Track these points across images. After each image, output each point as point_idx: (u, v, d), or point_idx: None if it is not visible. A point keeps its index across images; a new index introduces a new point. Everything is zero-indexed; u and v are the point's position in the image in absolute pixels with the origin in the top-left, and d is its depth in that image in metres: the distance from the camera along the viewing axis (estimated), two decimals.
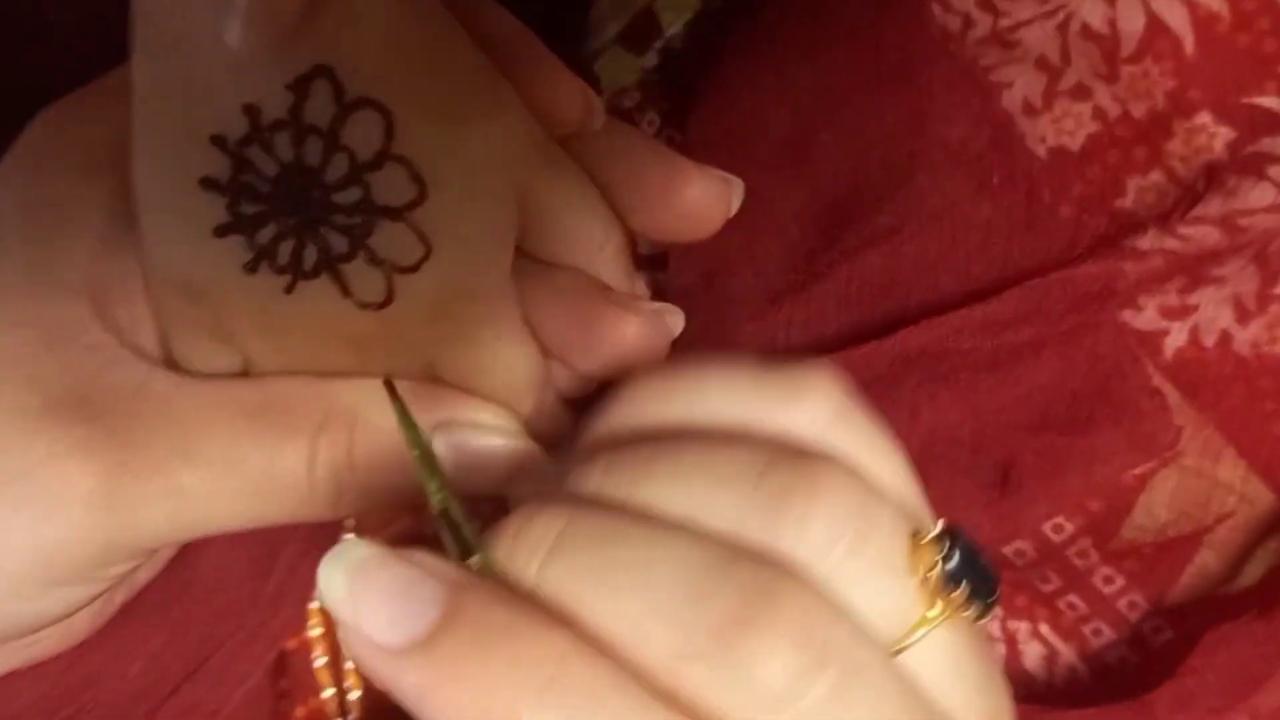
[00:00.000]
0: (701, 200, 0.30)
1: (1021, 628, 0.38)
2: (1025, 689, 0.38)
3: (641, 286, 0.31)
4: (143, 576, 0.33)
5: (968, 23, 0.37)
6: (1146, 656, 0.37)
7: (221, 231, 0.26)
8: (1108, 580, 0.37)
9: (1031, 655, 0.38)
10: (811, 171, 0.39)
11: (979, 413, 0.37)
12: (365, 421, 0.28)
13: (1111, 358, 0.36)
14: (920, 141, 0.37)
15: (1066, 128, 0.37)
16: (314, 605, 0.37)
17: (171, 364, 0.28)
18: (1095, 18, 0.34)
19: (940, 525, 0.24)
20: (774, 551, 0.22)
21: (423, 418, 0.26)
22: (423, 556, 0.21)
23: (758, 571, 0.21)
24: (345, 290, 0.27)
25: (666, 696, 0.20)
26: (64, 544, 0.27)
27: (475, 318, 0.28)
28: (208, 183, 0.26)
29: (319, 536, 0.35)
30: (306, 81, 0.25)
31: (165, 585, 0.34)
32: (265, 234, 0.26)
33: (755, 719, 0.21)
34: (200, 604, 0.34)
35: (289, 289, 0.26)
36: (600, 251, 0.29)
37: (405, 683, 0.20)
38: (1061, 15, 0.35)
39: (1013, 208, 0.38)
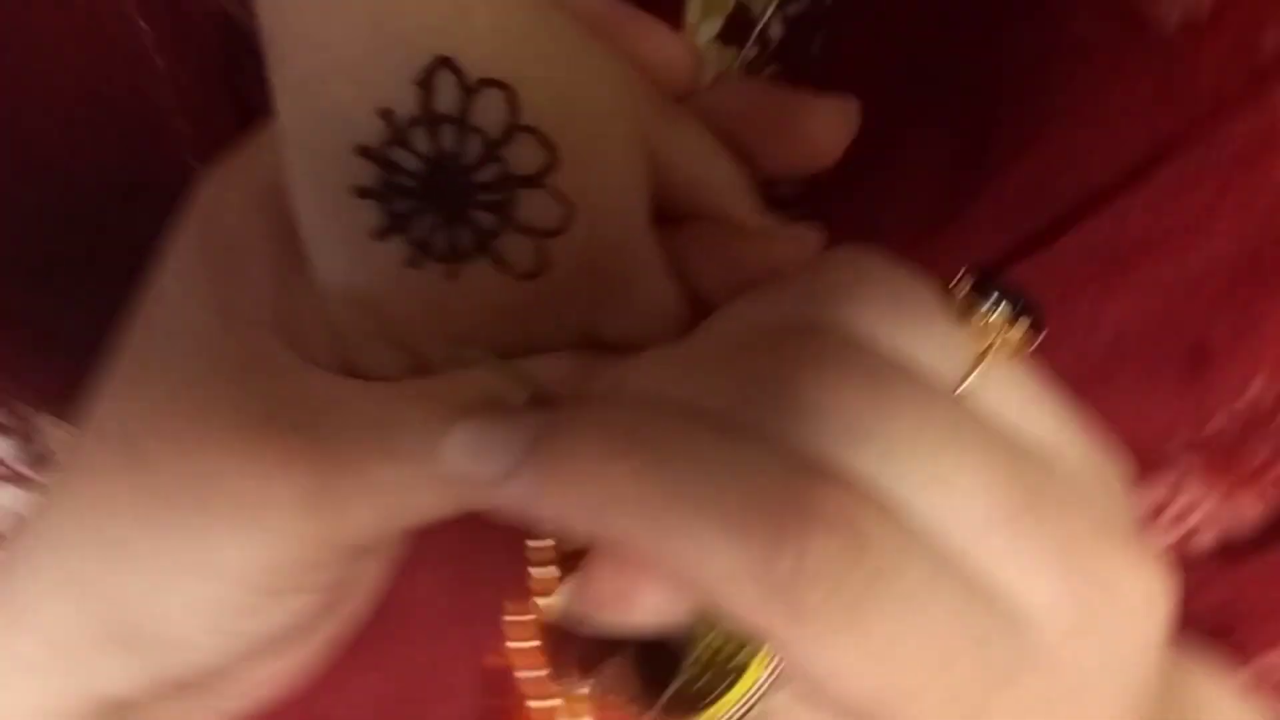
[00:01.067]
0: (819, 128, 0.30)
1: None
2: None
3: (775, 220, 0.32)
4: (352, 609, 0.35)
5: None
6: None
7: (381, 234, 0.28)
8: None
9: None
10: (944, 91, 0.39)
11: (1163, 295, 0.37)
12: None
13: None
14: (1048, 38, 0.37)
15: None
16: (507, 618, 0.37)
17: (353, 374, 0.30)
18: None
19: (965, 268, 0.25)
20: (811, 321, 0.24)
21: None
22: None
23: (791, 333, 0.24)
24: (502, 264, 0.28)
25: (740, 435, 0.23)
26: (281, 551, 0.28)
27: (625, 272, 0.29)
28: (361, 191, 0.28)
29: (512, 559, 0.37)
30: (431, 75, 0.27)
31: (378, 619, 0.36)
32: (420, 227, 0.28)
33: (802, 439, 0.22)
34: (414, 632, 0.36)
35: (452, 275, 0.28)
36: (729, 194, 0.30)
37: (523, 494, 0.24)
38: None
39: (1152, 86, 0.37)
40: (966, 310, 0.25)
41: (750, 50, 0.47)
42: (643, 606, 0.24)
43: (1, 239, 0.35)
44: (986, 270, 0.26)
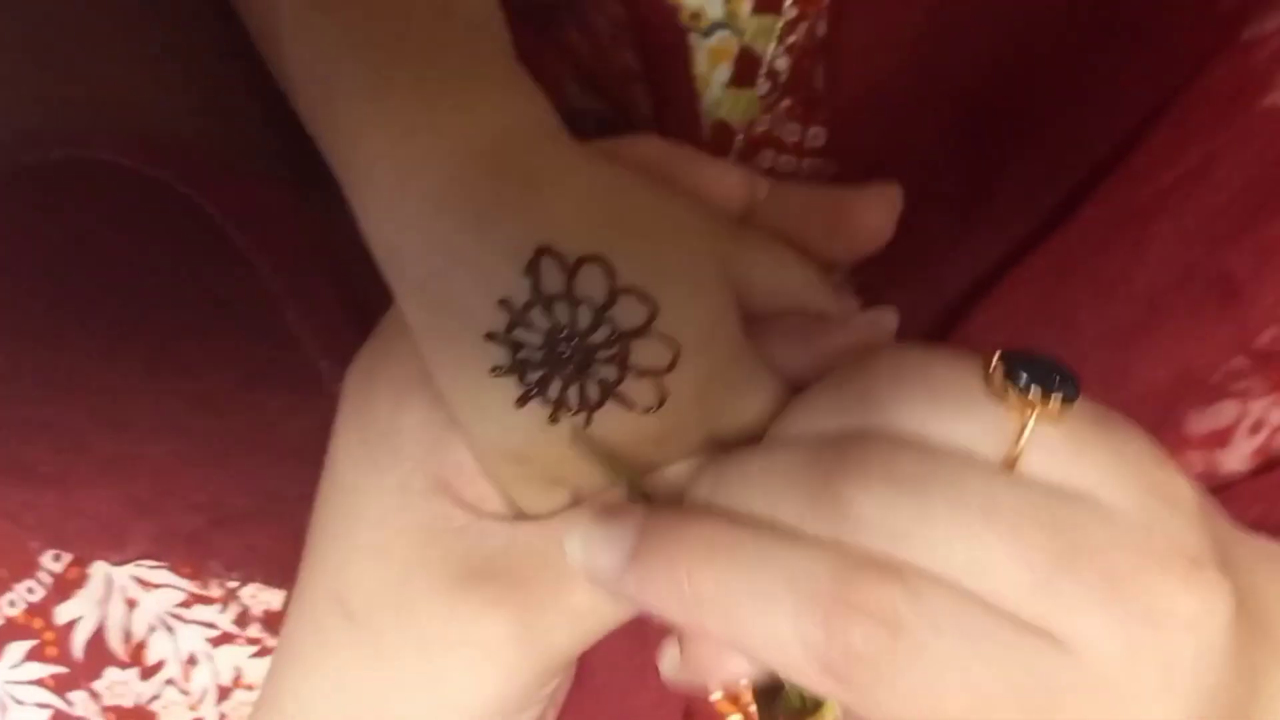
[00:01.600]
0: (870, 217, 0.35)
1: None
2: None
3: (851, 302, 0.36)
4: (563, 693, 0.40)
5: None
6: None
7: (521, 402, 0.32)
8: None
9: None
10: (947, 94, 0.43)
11: (1183, 239, 0.41)
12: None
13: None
14: (1035, 33, 0.41)
15: None
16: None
17: (521, 516, 0.35)
18: None
19: (998, 352, 0.29)
20: (862, 430, 0.29)
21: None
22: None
23: (844, 445, 0.29)
24: (629, 405, 0.32)
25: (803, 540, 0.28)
26: (504, 683, 0.33)
27: (731, 384, 0.33)
28: (497, 370, 0.32)
29: None
30: (536, 263, 0.31)
31: (573, 684, 0.41)
32: (553, 390, 0.32)
33: (856, 540, 0.28)
34: (605, 688, 0.41)
35: (587, 423, 0.32)
36: (805, 291, 0.35)
37: (628, 590, 0.30)
38: None
39: (1129, 51, 0.41)
40: (1003, 388, 0.29)
41: (763, 86, 0.50)
42: (729, 671, 0.31)
43: (168, 443, 0.40)
44: (1016, 350, 0.30)
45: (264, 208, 0.38)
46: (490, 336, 0.32)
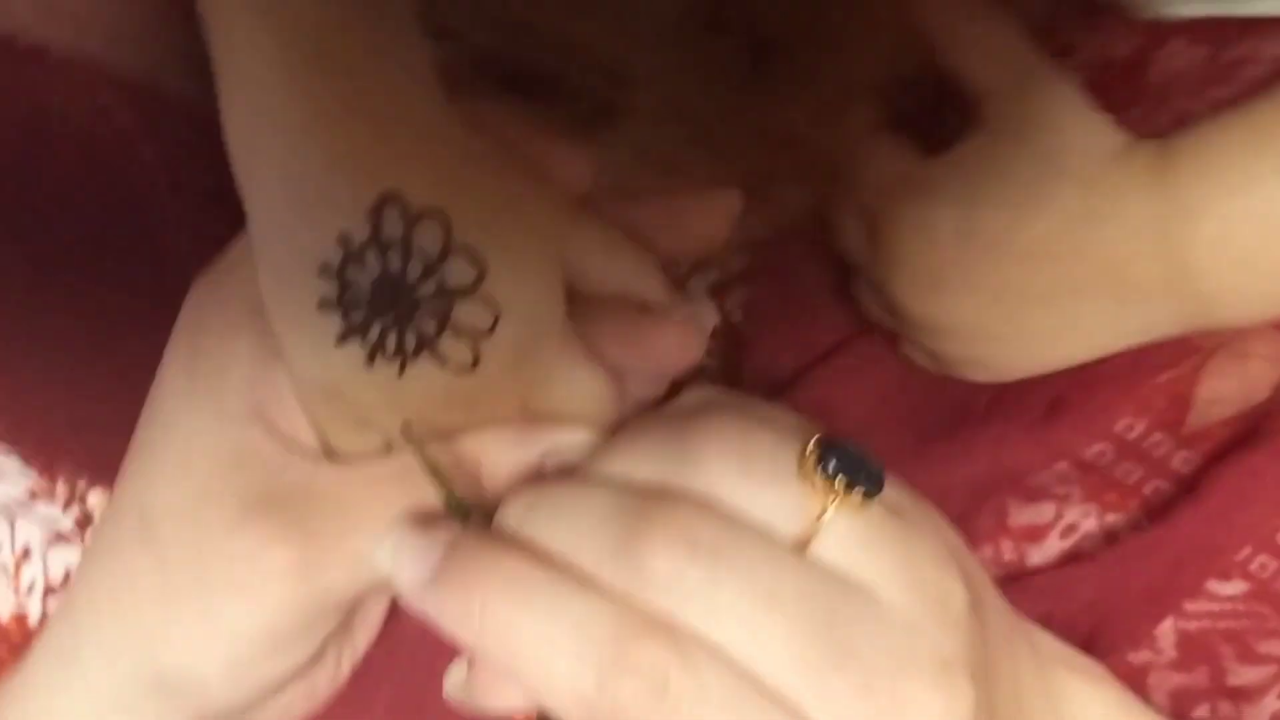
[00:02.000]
0: (703, 220, 0.36)
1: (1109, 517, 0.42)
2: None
3: (684, 300, 0.37)
4: (361, 643, 0.40)
5: None
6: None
7: (341, 339, 0.33)
8: (1186, 461, 0.40)
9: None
10: None
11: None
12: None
13: None
14: None
15: None
16: None
17: (330, 455, 0.36)
18: None
19: (815, 437, 0.31)
20: (675, 488, 0.31)
21: (529, 447, 0.34)
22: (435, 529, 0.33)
23: (653, 502, 0.30)
24: (442, 361, 0.33)
25: (595, 588, 0.30)
26: (275, 613, 0.34)
27: (548, 356, 0.34)
28: (323, 304, 0.33)
29: None
30: (380, 206, 0.33)
31: (380, 646, 0.41)
32: (374, 333, 0.33)
33: (645, 597, 0.29)
34: (414, 655, 0.42)
35: (401, 372, 0.33)
36: (635, 280, 0.36)
37: (426, 606, 0.31)
38: None
39: None
40: (811, 471, 0.30)
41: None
42: (508, 702, 0.33)
43: (45, 341, 0.41)
44: (832, 438, 0.31)
45: (175, 124, 0.40)
46: (323, 270, 0.33)
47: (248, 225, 0.34)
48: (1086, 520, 0.43)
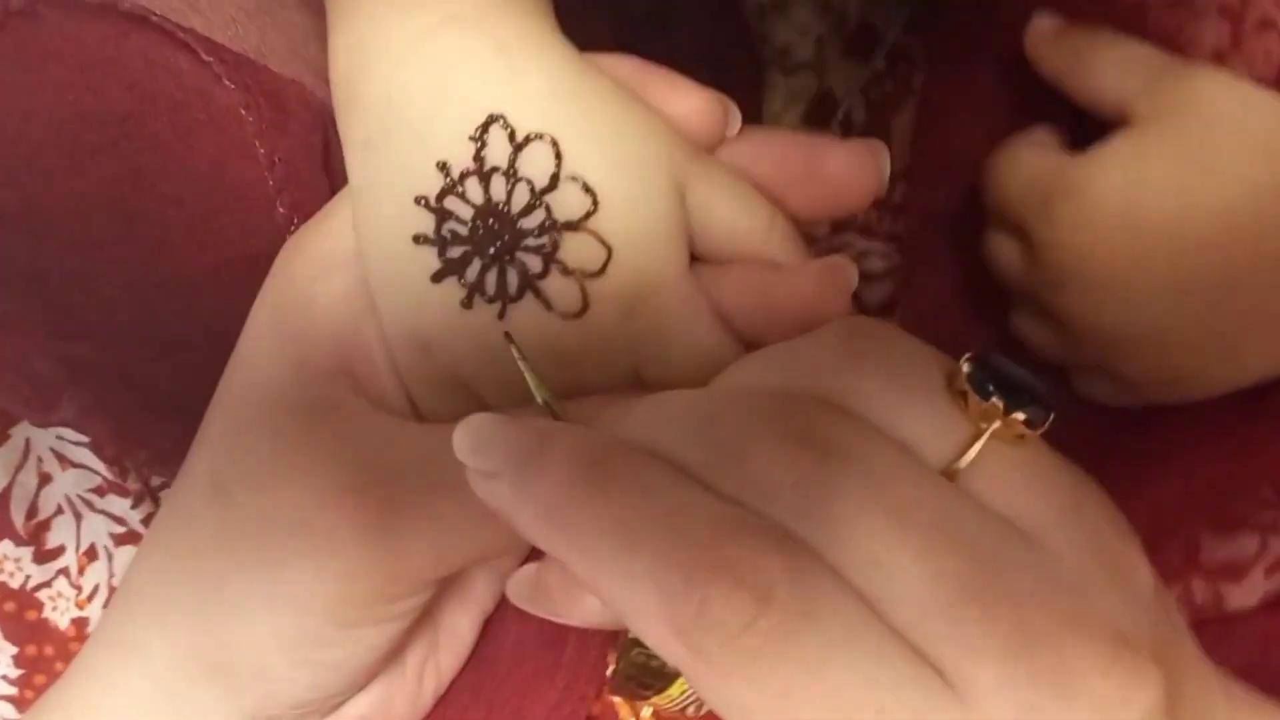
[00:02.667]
0: (845, 168, 0.31)
1: None
2: None
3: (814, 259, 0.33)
4: (448, 663, 0.36)
5: None
6: None
7: (437, 277, 0.30)
8: None
9: None
10: None
11: None
12: None
13: None
14: None
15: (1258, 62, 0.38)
16: (610, 670, 0.38)
17: (418, 417, 0.32)
18: None
19: (969, 354, 0.25)
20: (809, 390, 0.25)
21: None
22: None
23: (775, 399, 0.24)
24: (547, 304, 0.30)
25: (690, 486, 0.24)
26: (347, 580, 0.30)
27: (664, 311, 0.30)
28: (418, 238, 0.30)
29: None
30: (484, 130, 0.29)
31: (472, 669, 0.37)
32: (472, 270, 0.30)
33: (757, 502, 0.23)
34: (506, 679, 0.37)
35: (501, 314, 0.30)
36: (767, 236, 0.31)
37: (499, 494, 0.25)
38: None
39: None
40: (964, 390, 0.25)
41: (834, 131, 0.48)
42: (583, 609, 0.26)
43: (129, 312, 0.38)
44: (989, 356, 0.26)
45: (279, 100, 0.37)
46: (419, 200, 0.30)
47: (346, 164, 0.32)
48: None
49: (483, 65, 0.30)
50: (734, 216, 0.31)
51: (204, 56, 0.36)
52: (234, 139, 0.37)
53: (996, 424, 0.24)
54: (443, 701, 0.36)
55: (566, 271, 0.30)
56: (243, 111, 0.37)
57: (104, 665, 0.33)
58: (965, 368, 0.25)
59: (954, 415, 0.25)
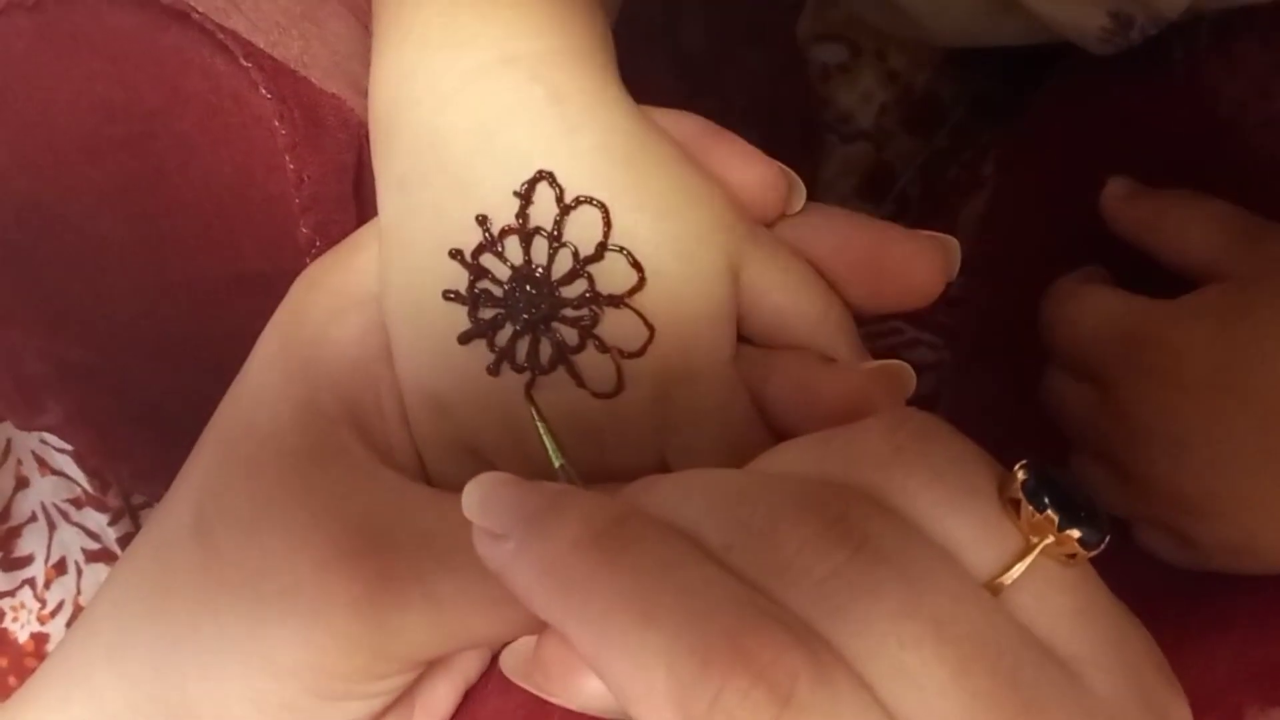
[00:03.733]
0: (913, 261, 0.29)
1: None
2: None
3: (866, 355, 0.30)
4: None
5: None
6: None
7: (465, 338, 0.28)
8: None
9: None
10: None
11: None
12: None
13: None
14: None
15: None
16: None
17: (427, 479, 0.30)
18: None
19: (1024, 462, 0.23)
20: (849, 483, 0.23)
21: None
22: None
23: (812, 485, 0.22)
24: (579, 381, 0.27)
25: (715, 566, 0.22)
26: (332, 652, 0.27)
27: (701, 398, 0.28)
28: (449, 294, 0.28)
29: None
30: (531, 187, 0.27)
31: None
32: (504, 335, 0.28)
33: (782, 592, 0.21)
34: None
35: (529, 385, 0.28)
36: (821, 326, 0.29)
37: (503, 558, 0.23)
38: None
39: None
40: (1017, 500, 0.23)
41: (888, 207, 0.46)
42: (582, 691, 0.23)
43: (130, 320, 0.36)
44: (1045, 465, 0.23)
45: (315, 114, 0.35)
46: (454, 254, 0.28)
47: (378, 199, 0.29)
48: None
49: (535, 115, 0.28)
50: (787, 302, 0.29)
51: (242, 61, 0.34)
52: (263, 150, 0.35)
53: (1049, 539, 0.22)
54: None
55: (604, 348, 0.27)
56: (275, 123, 0.35)
57: (54, 694, 0.30)
58: (1020, 475, 0.23)
59: (1003, 525, 0.23)
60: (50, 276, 0.36)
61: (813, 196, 0.42)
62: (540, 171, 0.27)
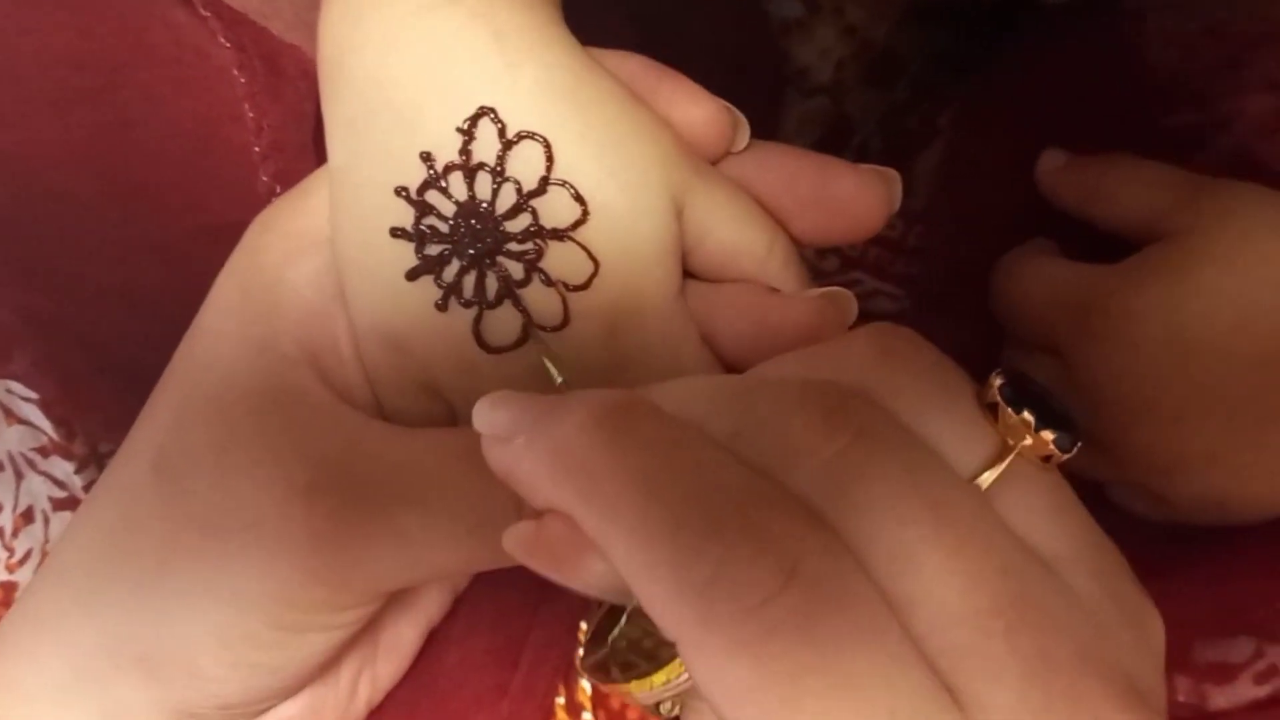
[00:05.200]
0: (856, 194, 0.30)
1: None
2: None
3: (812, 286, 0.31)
4: (385, 673, 0.34)
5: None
6: None
7: (412, 274, 0.28)
8: None
9: None
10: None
11: None
12: None
13: None
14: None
15: None
16: (560, 701, 0.36)
17: (385, 418, 0.30)
18: None
19: (1000, 369, 0.24)
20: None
21: None
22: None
23: (811, 380, 0.23)
24: (526, 314, 0.28)
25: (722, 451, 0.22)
26: (295, 584, 0.28)
27: (648, 332, 0.29)
28: (395, 231, 0.28)
29: (561, 632, 0.36)
30: (473, 123, 0.28)
31: (411, 684, 0.35)
32: (450, 271, 0.28)
33: (789, 477, 0.22)
34: (447, 699, 0.35)
35: (477, 320, 0.28)
36: (766, 260, 0.30)
37: (511, 452, 0.23)
38: None
39: None
40: (995, 404, 0.24)
41: (848, 159, 0.47)
42: (587, 570, 0.23)
43: (95, 269, 0.37)
44: (1020, 373, 0.24)
45: (275, 63, 0.36)
46: (400, 191, 0.28)
47: (327, 141, 0.30)
48: None
49: (476, 53, 0.28)
50: (732, 236, 0.30)
51: (201, 10, 0.35)
52: (224, 100, 0.36)
53: (1026, 440, 0.23)
54: (374, 717, 0.35)
55: (549, 282, 0.28)
56: (235, 71, 0.35)
57: (24, 640, 0.31)
58: (997, 381, 0.24)
59: (983, 425, 0.23)
60: (18, 228, 0.37)
61: (769, 143, 0.43)
62: (482, 107, 0.28)
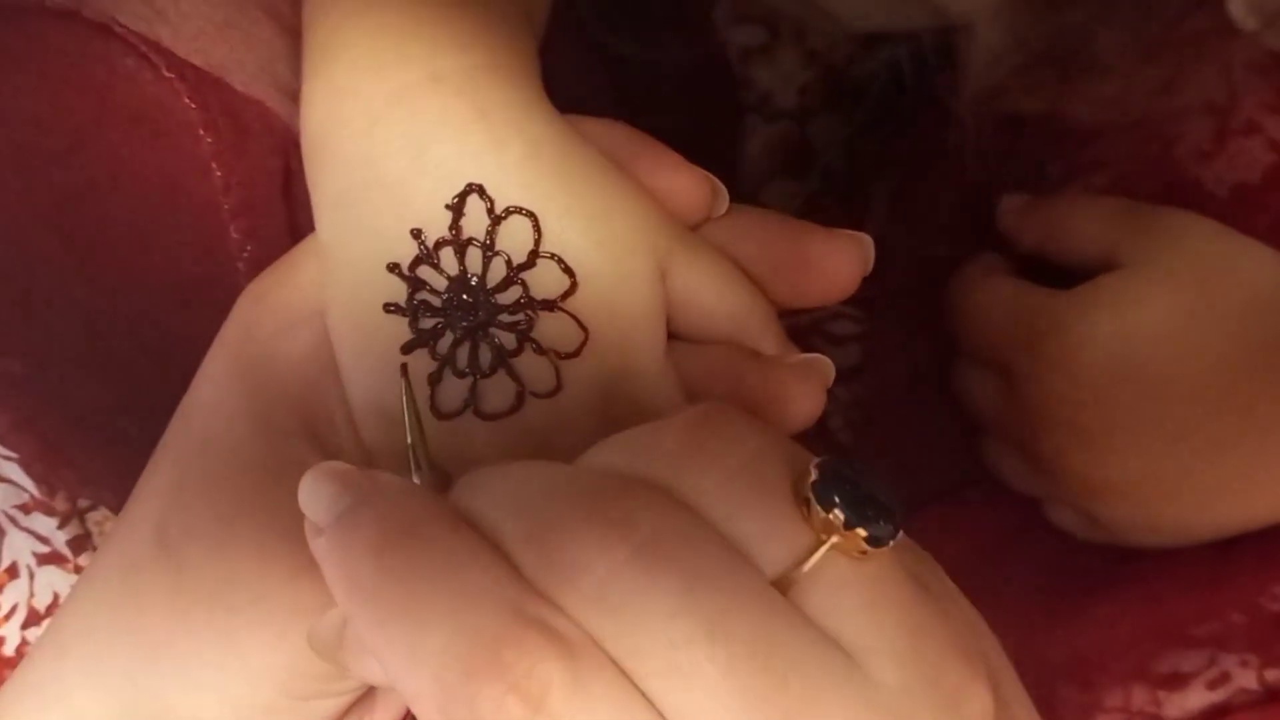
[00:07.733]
0: (829, 256, 0.31)
1: None
2: None
3: (792, 347, 0.32)
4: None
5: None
6: None
7: (407, 348, 0.29)
8: None
9: None
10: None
11: None
12: None
13: None
14: None
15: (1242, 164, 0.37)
16: None
17: None
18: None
19: (817, 460, 0.24)
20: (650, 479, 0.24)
21: None
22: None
23: (607, 482, 0.23)
24: (520, 383, 0.29)
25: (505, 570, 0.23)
26: (305, 655, 0.28)
27: (638, 394, 0.29)
28: (389, 307, 0.29)
29: None
30: (462, 200, 0.28)
31: None
32: (444, 343, 0.29)
33: (558, 592, 0.22)
34: None
35: (472, 390, 0.29)
36: (746, 321, 0.31)
37: (317, 549, 0.24)
38: None
39: None
40: (807, 499, 0.23)
41: (812, 183, 0.47)
42: (373, 670, 0.25)
43: (66, 331, 0.36)
44: (841, 462, 0.24)
45: (240, 121, 0.36)
46: (392, 267, 0.29)
47: (315, 217, 0.30)
48: (1244, 673, 0.36)
49: (463, 130, 0.29)
50: (714, 299, 0.30)
51: (165, 72, 0.35)
52: (191, 158, 0.36)
53: (835, 539, 0.23)
54: None
55: (541, 351, 0.29)
56: (201, 131, 0.35)
57: (29, 712, 0.31)
58: (812, 474, 0.23)
59: (794, 522, 0.23)
60: None
61: (738, 176, 0.44)
62: (470, 184, 0.28)
